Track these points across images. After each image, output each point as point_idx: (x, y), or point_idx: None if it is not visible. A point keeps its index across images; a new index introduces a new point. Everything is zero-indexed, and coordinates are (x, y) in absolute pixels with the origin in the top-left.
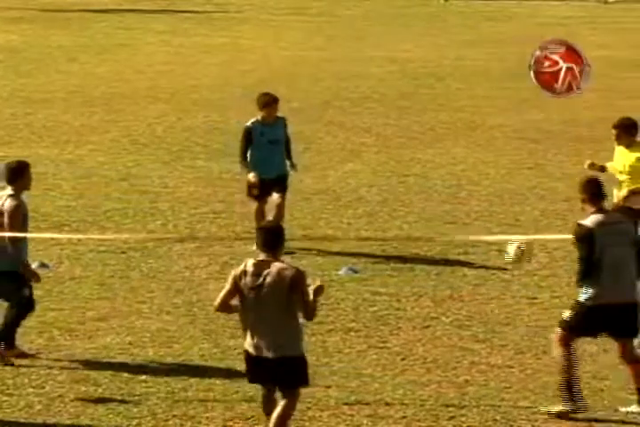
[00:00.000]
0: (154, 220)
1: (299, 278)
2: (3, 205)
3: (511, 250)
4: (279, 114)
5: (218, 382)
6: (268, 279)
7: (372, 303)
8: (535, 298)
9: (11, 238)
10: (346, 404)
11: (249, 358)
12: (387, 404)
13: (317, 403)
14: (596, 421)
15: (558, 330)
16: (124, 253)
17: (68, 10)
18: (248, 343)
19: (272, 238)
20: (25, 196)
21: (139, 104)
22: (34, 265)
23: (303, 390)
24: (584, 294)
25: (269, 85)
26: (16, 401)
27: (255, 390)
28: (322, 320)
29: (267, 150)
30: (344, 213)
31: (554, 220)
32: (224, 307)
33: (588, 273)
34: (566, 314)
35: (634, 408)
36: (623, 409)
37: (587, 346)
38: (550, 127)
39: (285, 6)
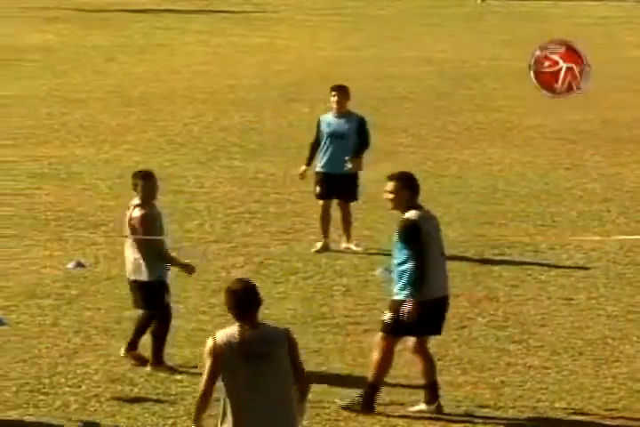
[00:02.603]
0: (190, 220)
1: (292, 339)
2: (131, 214)
3: None
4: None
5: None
6: (265, 348)
7: None
8: (571, 299)
9: (143, 249)
10: (381, 404)
11: None
12: None
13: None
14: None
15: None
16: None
17: (105, 10)
18: None
19: (249, 301)
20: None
21: (176, 104)
22: (70, 265)
23: (338, 390)
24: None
25: (305, 86)
26: (52, 400)
27: None
28: (358, 321)
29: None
30: (379, 214)
31: (590, 221)
32: (208, 395)
33: None
34: None
35: (422, 407)
36: (411, 409)
37: (622, 347)
38: (588, 127)
39: (321, 6)
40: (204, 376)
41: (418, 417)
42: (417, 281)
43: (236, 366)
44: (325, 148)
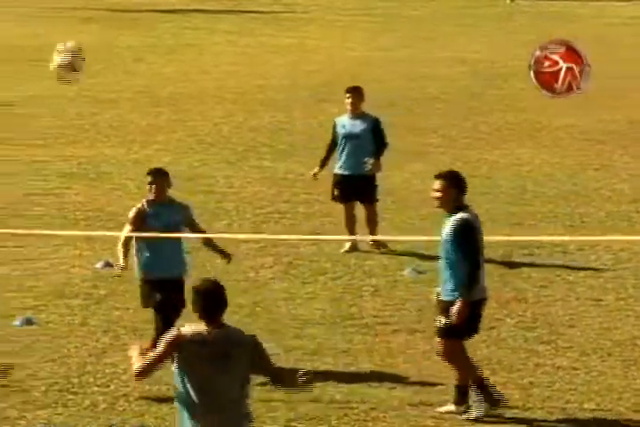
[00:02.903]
0: (219, 220)
1: (259, 344)
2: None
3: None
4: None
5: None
6: (230, 350)
7: None
8: (600, 300)
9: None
10: (410, 404)
11: None
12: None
13: (381, 404)
14: None
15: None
16: (188, 252)
17: (135, 10)
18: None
19: (215, 302)
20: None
21: (205, 104)
22: (99, 264)
23: (366, 391)
24: None
25: (336, 86)
26: (81, 400)
27: (320, 389)
28: (386, 321)
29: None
30: (409, 214)
31: (619, 221)
32: (144, 376)
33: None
34: None
35: (451, 407)
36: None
37: None
38: (617, 128)
39: (352, 7)
40: (148, 360)
41: (447, 418)
42: (472, 282)
43: (194, 363)
44: (341, 149)
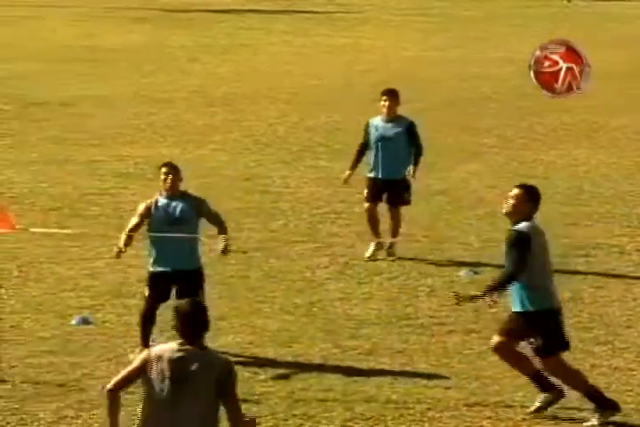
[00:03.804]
0: (275, 220)
1: (231, 369)
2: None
3: None
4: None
5: (338, 382)
6: (194, 372)
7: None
8: None
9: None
10: (466, 405)
11: None
12: (507, 406)
13: (437, 404)
14: None
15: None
16: (245, 252)
17: (189, 10)
18: None
19: (195, 324)
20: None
21: (260, 104)
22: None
23: (422, 390)
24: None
25: (390, 86)
26: (138, 398)
27: (376, 389)
28: (442, 321)
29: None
30: (465, 214)
31: None
32: (117, 390)
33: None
34: None
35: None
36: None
37: None
38: None
39: (406, 7)
40: (119, 376)
41: (503, 418)
42: (498, 287)
43: (155, 381)
44: (375, 153)
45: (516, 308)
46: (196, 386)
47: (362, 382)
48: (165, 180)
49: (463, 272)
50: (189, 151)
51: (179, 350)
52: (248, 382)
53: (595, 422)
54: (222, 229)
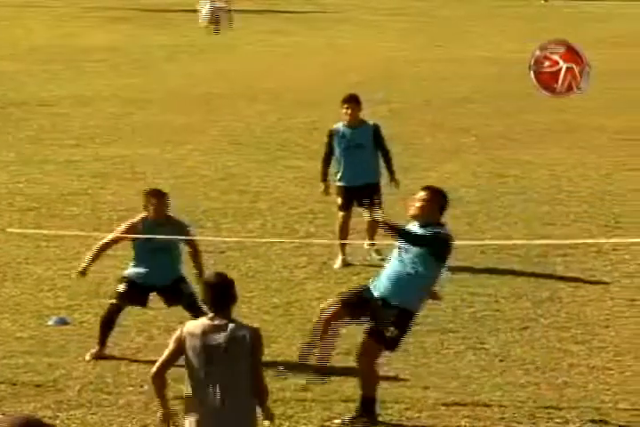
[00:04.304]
0: (253, 219)
1: (258, 339)
2: None
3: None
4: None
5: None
6: (227, 343)
7: (471, 304)
8: (634, 300)
9: None
10: (444, 405)
11: None
12: (485, 405)
13: (416, 404)
14: None
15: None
16: (222, 252)
17: (168, 10)
18: (199, 424)
19: (223, 295)
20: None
21: (238, 104)
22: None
23: (401, 391)
24: None
25: (369, 86)
26: (115, 399)
27: (354, 389)
28: (420, 321)
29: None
30: (443, 214)
31: None
32: (161, 376)
33: None
34: None
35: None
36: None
37: None
38: None
39: (385, 6)
40: (160, 359)
41: (481, 418)
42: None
43: (192, 355)
44: (344, 160)
45: (395, 301)
46: (229, 357)
47: (340, 381)
48: (147, 208)
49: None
50: (167, 151)
51: (209, 324)
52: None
53: (346, 419)
54: (200, 271)
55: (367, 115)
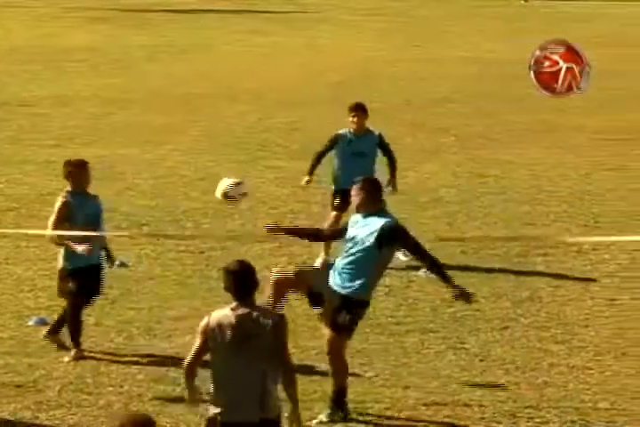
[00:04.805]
0: (233, 219)
1: (283, 325)
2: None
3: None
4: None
5: (297, 381)
6: (251, 331)
7: (451, 304)
8: (614, 300)
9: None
10: (424, 404)
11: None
12: (465, 405)
13: (396, 403)
14: None
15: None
16: (202, 252)
17: (148, 10)
18: (224, 410)
19: (246, 282)
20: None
21: (218, 104)
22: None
23: (381, 390)
24: None
25: (348, 86)
26: (95, 400)
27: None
28: (400, 321)
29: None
30: (423, 214)
31: (634, 221)
32: (193, 367)
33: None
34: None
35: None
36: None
37: None
38: (632, 128)
39: (364, 6)
40: (191, 351)
41: (461, 417)
42: (440, 267)
43: (218, 345)
44: (347, 166)
45: (345, 290)
46: (255, 345)
47: (321, 381)
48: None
49: (421, 271)
50: (147, 151)
51: (234, 313)
52: (206, 382)
53: (324, 418)
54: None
55: (347, 115)
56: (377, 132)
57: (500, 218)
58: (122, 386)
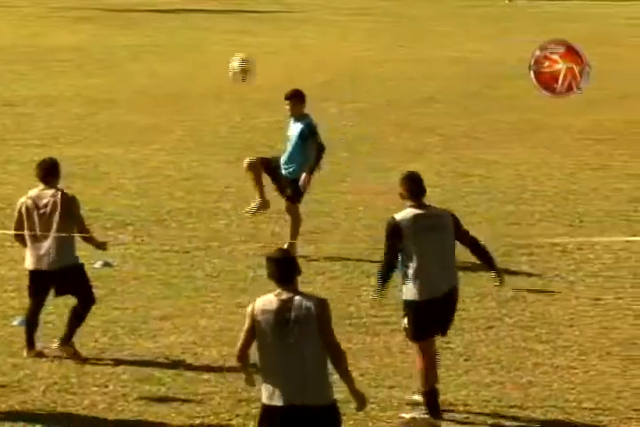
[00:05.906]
0: (217, 219)
1: (325, 308)
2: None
3: (236, 63)
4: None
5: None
6: (294, 315)
7: None
8: (599, 299)
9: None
10: (409, 404)
11: (271, 410)
12: (450, 404)
13: (380, 403)
14: None
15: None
16: (187, 252)
17: (133, 10)
18: (270, 394)
19: (287, 269)
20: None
21: (203, 104)
22: (97, 264)
23: (367, 390)
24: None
25: (334, 85)
26: (80, 400)
27: None
28: (385, 321)
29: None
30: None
31: (618, 221)
32: (244, 352)
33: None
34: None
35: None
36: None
37: None
38: (616, 128)
39: (350, 6)
40: (241, 336)
41: (445, 417)
42: (380, 273)
43: (263, 330)
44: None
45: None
46: (301, 329)
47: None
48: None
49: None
50: (132, 151)
51: (277, 298)
52: (191, 382)
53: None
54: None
55: (333, 115)
56: (307, 121)
57: (484, 218)
58: (106, 386)
